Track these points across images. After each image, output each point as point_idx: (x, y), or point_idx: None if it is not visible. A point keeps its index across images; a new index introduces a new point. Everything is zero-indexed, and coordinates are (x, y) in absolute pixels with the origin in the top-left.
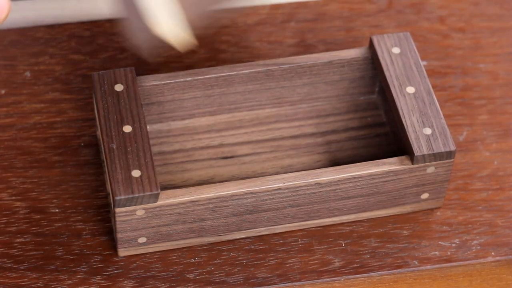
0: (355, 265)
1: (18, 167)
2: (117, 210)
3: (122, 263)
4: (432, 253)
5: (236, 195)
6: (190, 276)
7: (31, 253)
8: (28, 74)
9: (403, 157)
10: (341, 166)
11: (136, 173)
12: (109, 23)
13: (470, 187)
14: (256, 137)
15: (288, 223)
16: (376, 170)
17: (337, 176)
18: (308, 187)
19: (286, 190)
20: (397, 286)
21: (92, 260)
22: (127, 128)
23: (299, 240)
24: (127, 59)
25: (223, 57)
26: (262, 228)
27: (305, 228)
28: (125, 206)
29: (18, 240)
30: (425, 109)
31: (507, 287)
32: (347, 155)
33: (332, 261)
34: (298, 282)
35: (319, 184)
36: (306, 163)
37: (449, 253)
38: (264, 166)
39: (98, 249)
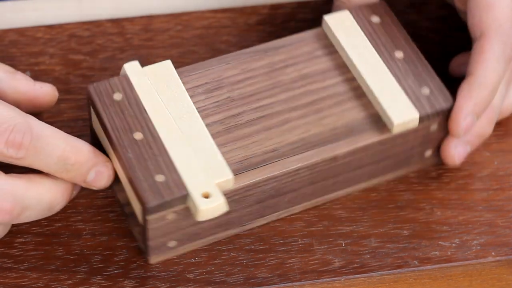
0: (355, 265)
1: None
2: (149, 218)
3: (122, 263)
4: (432, 253)
5: (260, 183)
6: (190, 276)
7: (31, 253)
8: (28, 74)
9: None
10: (354, 137)
11: (160, 177)
12: (109, 23)
13: (470, 187)
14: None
15: (306, 201)
16: (387, 136)
17: (351, 148)
18: (325, 163)
19: (305, 169)
20: (397, 286)
21: (92, 260)
22: (138, 135)
23: (299, 240)
24: (127, 59)
25: None
26: (283, 211)
27: (319, 205)
28: (156, 212)
29: (18, 240)
30: (417, 71)
31: (507, 287)
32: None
33: (332, 261)
34: (298, 282)
35: (335, 158)
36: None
37: (449, 253)
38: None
39: (98, 249)
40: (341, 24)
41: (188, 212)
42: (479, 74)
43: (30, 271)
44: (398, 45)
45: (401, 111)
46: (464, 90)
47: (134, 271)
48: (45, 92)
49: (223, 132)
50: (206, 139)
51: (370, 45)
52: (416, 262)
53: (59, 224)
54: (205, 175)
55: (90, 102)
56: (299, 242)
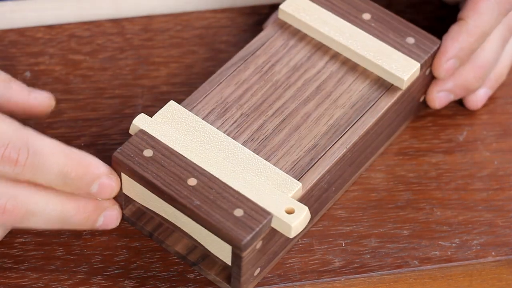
0: (355, 265)
1: None
2: (245, 253)
3: (122, 263)
4: (432, 253)
5: (319, 180)
6: (190, 276)
7: (31, 253)
8: (28, 74)
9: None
10: (374, 106)
11: (238, 212)
12: (109, 23)
13: (470, 187)
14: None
15: (345, 184)
16: (399, 94)
17: (377, 116)
18: (361, 140)
19: (348, 153)
20: (397, 286)
21: (92, 260)
22: (192, 181)
23: (299, 240)
24: (127, 59)
25: (223, 57)
26: (330, 202)
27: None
28: (250, 246)
29: (18, 240)
30: (392, 25)
31: (507, 287)
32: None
33: (332, 261)
34: (298, 282)
35: (367, 132)
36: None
37: (449, 253)
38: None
39: (98, 249)
40: (299, 8)
41: (270, 235)
42: (469, 20)
43: (30, 271)
44: (360, 8)
45: (403, 66)
46: (452, 33)
47: (134, 271)
48: (40, 101)
49: (259, 147)
50: (256, 160)
51: (337, 17)
52: (416, 262)
53: None
54: (277, 193)
55: (122, 169)
56: (299, 242)
